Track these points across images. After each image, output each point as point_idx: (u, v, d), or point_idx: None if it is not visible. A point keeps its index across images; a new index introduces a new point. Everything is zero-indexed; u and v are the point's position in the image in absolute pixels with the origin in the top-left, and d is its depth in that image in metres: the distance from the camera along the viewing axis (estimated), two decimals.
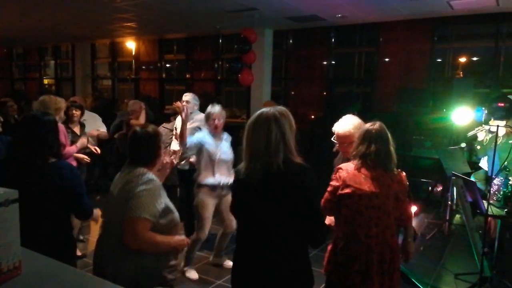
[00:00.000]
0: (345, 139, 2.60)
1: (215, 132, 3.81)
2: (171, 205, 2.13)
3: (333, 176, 2.37)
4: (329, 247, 2.41)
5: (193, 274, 3.86)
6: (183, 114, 3.61)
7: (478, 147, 4.24)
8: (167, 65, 10.62)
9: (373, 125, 2.36)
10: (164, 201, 2.07)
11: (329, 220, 2.49)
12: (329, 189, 2.37)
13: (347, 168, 2.31)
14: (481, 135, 4.18)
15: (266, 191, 1.85)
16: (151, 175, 2.08)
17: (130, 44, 10.64)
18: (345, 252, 2.28)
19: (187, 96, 4.52)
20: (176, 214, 2.15)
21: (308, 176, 1.88)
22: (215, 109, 3.81)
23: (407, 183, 2.38)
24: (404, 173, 2.40)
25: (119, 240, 1.97)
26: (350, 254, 2.26)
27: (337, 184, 2.31)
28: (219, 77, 9.40)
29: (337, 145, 2.70)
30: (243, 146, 1.93)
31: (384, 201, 2.25)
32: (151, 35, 9.74)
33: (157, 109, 9.39)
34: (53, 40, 11.53)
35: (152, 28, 8.47)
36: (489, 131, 4.06)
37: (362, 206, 2.23)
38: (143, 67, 10.88)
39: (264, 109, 1.93)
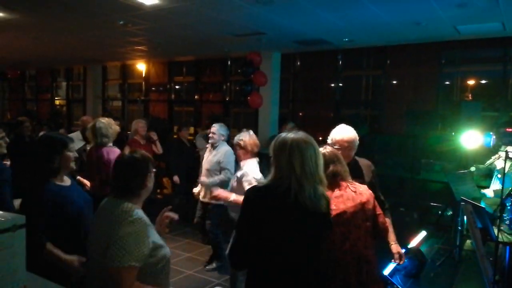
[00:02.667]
0: (351, 143, 2.80)
1: None
2: (160, 241, 1.94)
3: None
4: None
5: None
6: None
7: (499, 175, 4.19)
8: (176, 87, 10.76)
9: (325, 149, 2.47)
10: (152, 238, 1.86)
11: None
12: None
13: None
14: (500, 163, 4.14)
15: (324, 214, 1.91)
16: (136, 212, 1.86)
17: (141, 66, 10.83)
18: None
19: (214, 127, 4.63)
20: (167, 249, 1.96)
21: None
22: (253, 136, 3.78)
23: (370, 191, 2.45)
24: (364, 185, 2.48)
25: None
26: (327, 272, 2.26)
27: None
28: (227, 99, 9.49)
29: (340, 151, 2.75)
30: (295, 168, 1.83)
31: (353, 215, 2.32)
32: (161, 57, 9.91)
33: (166, 130, 9.49)
34: (65, 63, 11.78)
35: (162, 51, 8.63)
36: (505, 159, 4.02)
37: (333, 223, 2.23)
38: (153, 88, 11.04)
39: (299, 133, 1.95)
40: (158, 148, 6.09)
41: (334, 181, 2.36)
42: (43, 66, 12.68)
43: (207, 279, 4.49)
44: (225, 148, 4.59)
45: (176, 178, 6.36)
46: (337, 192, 2.35)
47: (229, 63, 9.30)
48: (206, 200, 4.58)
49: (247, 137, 3.70)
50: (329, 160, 2.39)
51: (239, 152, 3.74)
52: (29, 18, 5.90)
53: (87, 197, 2.55)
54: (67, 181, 2.47)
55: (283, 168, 1.85)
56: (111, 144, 4.10)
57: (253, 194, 1.89)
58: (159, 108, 10.86)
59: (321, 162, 1.91)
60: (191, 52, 8.86)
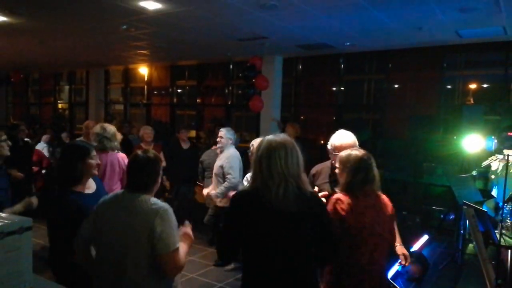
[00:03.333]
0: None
1: None
2: None
3: (332, 207, 2.29)
4: (327, 277, 2.36)
5: None
6: None
7: (493, 176, 4.20)
8: (179, 91, 10.80)
9: (361, 152, 2.38)
10: None
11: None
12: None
13: (346, 199, 2.28)
14: (495, 165, 4.15)
15: (294, 214, 1.87)
16: (162, 203, 2.06)
17: (143, 70, 10.88)
18: (347, 281, 2.27)
19: (222, 132, 4.69)
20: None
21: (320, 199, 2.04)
22: None
23: (391, 203, 2.44)
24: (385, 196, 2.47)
25: (148, 276, 1.98)
26: (353, 282, 2.25)
27: (341, 216, 2.25)
28: (229, 103, 9.52)
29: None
30: (262, 170, 1.89)
31: (384, 227, 2.30)
32: (164, 61, 9.95)
33: (168, 134, 9.51)
34: (68, 67, 11.85)
35: (165, 55, 8.67)
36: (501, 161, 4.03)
37: (366, 234, 2.25)
38: (155, 92, 11.09)
39: (279, 135, 2.00)
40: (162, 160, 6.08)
41: (371, 189, 2.31)
42: (46, 70, 12.75)
43: (209, 282, 4.49)
44: (228, 152, 4.61)
45: (165, 182, 6.12)
46: (371, 201, 2.32)
47: (231, 67, 9.33)
48: (221, 204, 4.60)
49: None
50: (369, 166, 2.32)
51: (250, 157, 3.73)
52: (33, 23, 5.94)
53: None
54: (90, 188, 2.52)
55: (256, 169, 1.94)
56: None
57: (238, 197, 1.99)
58: (161, 111, 10.90)
59: (295, 162, 1.90)
60: (193, 56, 8.90)
